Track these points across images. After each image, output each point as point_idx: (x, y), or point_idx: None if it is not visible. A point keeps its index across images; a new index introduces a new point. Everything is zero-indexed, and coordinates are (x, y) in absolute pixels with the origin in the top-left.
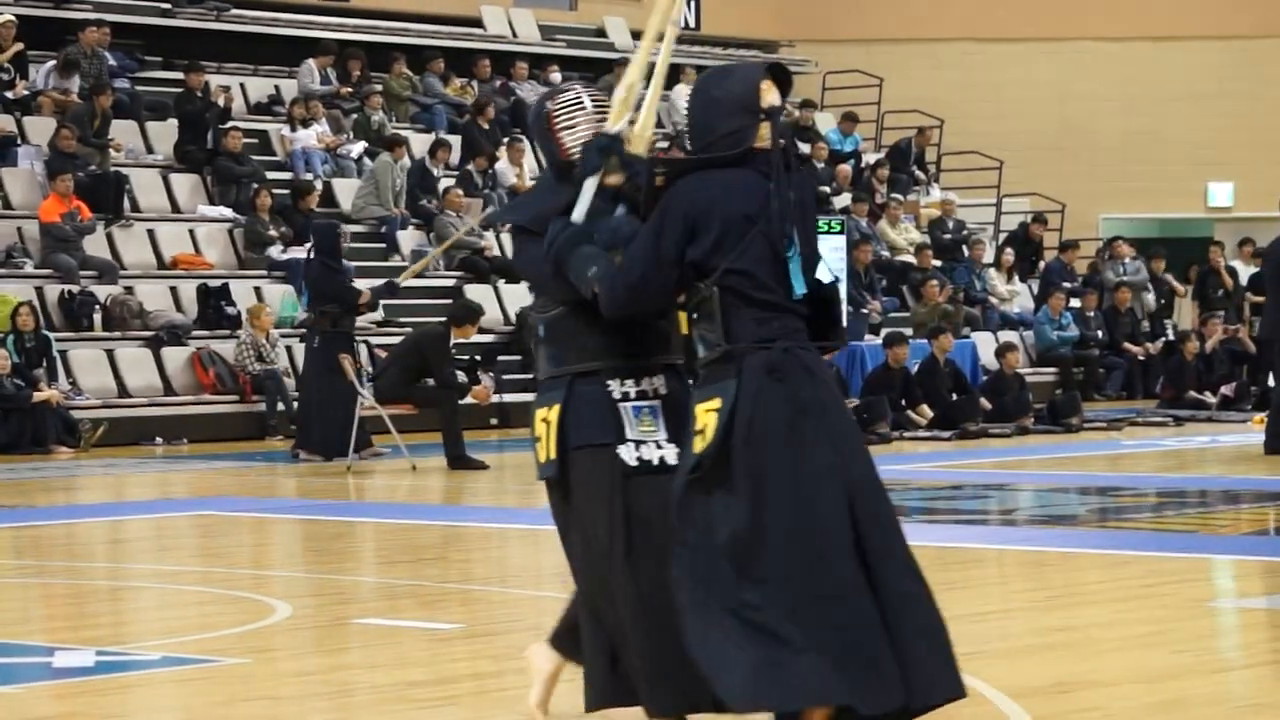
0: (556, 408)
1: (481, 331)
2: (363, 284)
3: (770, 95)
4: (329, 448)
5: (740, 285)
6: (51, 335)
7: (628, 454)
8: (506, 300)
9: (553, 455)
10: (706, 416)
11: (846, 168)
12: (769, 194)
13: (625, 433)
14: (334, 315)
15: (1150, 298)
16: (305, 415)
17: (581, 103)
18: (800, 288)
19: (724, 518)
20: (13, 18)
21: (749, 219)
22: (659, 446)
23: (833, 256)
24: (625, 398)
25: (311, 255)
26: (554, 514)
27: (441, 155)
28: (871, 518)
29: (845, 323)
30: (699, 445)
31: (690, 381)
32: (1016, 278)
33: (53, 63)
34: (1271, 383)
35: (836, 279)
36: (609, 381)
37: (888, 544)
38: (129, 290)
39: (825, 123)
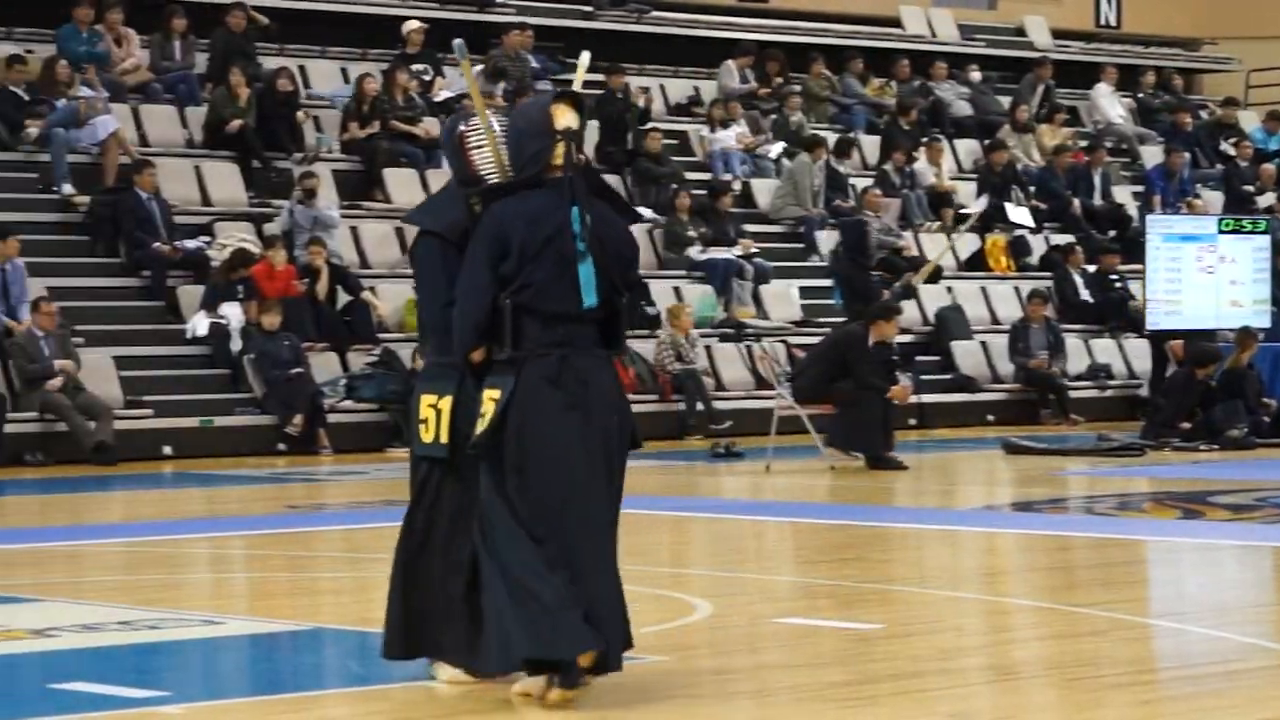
0: (449, 398)
1: (900, 331)
2: None
3: (563, 118)
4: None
5: (530, 299)
6: None
7: None
8: (925, 300)
9: (443, 439)
10: (489, 404)
11: (1271, 167)
12: (565, 214)
13: None
14: (860, 311)
15: None
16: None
17: (492, 127)
18: (591, 299)
19: (491, 490)
20: (419, 23)
21: (545, 240)
22: None
23: (1256, 256)
24: None
25: (840, 251)
26: (424, 487)
27: (843, 153)
28: (610, 498)
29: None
30: (480, 426)
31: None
32: None
33: (479, 68)
34: None
35: (622, 295)
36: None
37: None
38: None
39: (1249, 121)
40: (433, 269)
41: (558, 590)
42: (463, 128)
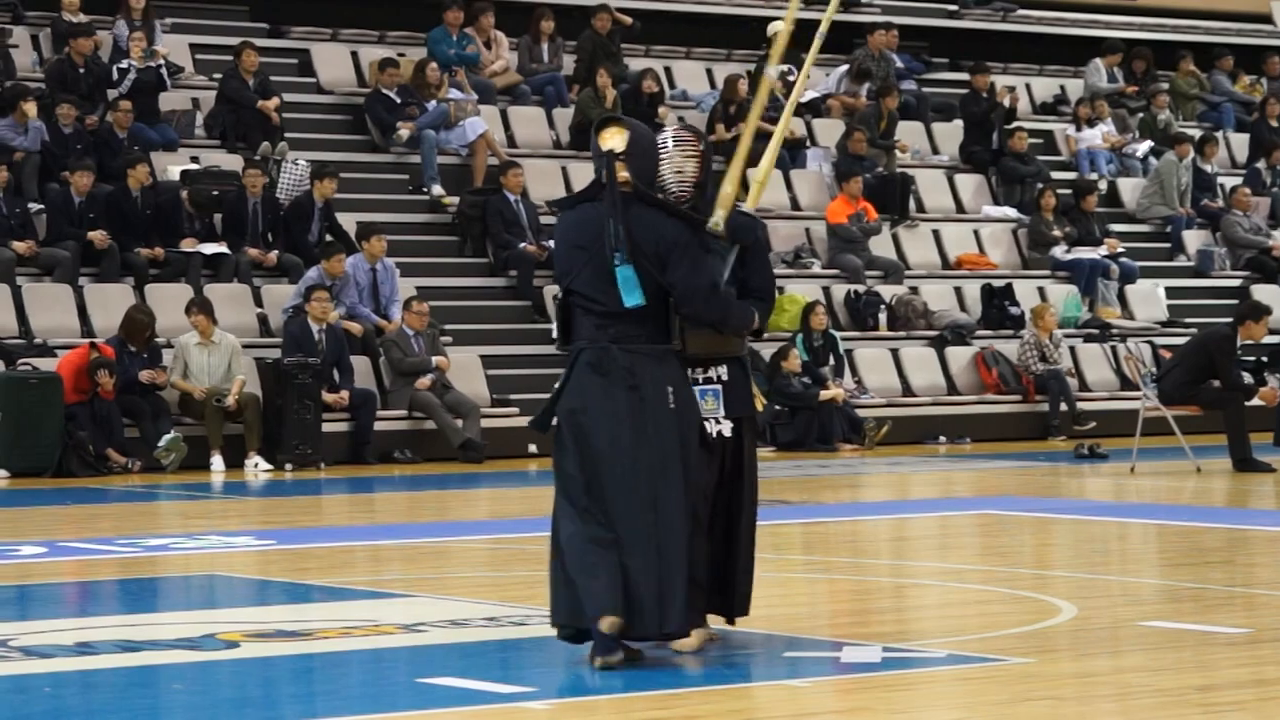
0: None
1: (1270, 332)
2: None
3: (609, 141)
4: None
5: (578, 300)
6: (837, 334)
7: None
8: None
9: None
10: (555, 389)
11: None
12: (603, 225)
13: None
14: None
15: None
16: None
17: (665, 145)
18: (631, 300)
19: (559, 464)
20: (780, 25)
21: (581, 249)
22: (717, 422)
23: None
24: (694, 382)
25: None
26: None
27: (1209, 152)
28: (660, 480)
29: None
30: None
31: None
32: None
33: (844, 68)
34: None
35: (669, 294)
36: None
37: (660, 504)
38: (914, 290)
39: None
40: None
41: (587, 562)
42: None
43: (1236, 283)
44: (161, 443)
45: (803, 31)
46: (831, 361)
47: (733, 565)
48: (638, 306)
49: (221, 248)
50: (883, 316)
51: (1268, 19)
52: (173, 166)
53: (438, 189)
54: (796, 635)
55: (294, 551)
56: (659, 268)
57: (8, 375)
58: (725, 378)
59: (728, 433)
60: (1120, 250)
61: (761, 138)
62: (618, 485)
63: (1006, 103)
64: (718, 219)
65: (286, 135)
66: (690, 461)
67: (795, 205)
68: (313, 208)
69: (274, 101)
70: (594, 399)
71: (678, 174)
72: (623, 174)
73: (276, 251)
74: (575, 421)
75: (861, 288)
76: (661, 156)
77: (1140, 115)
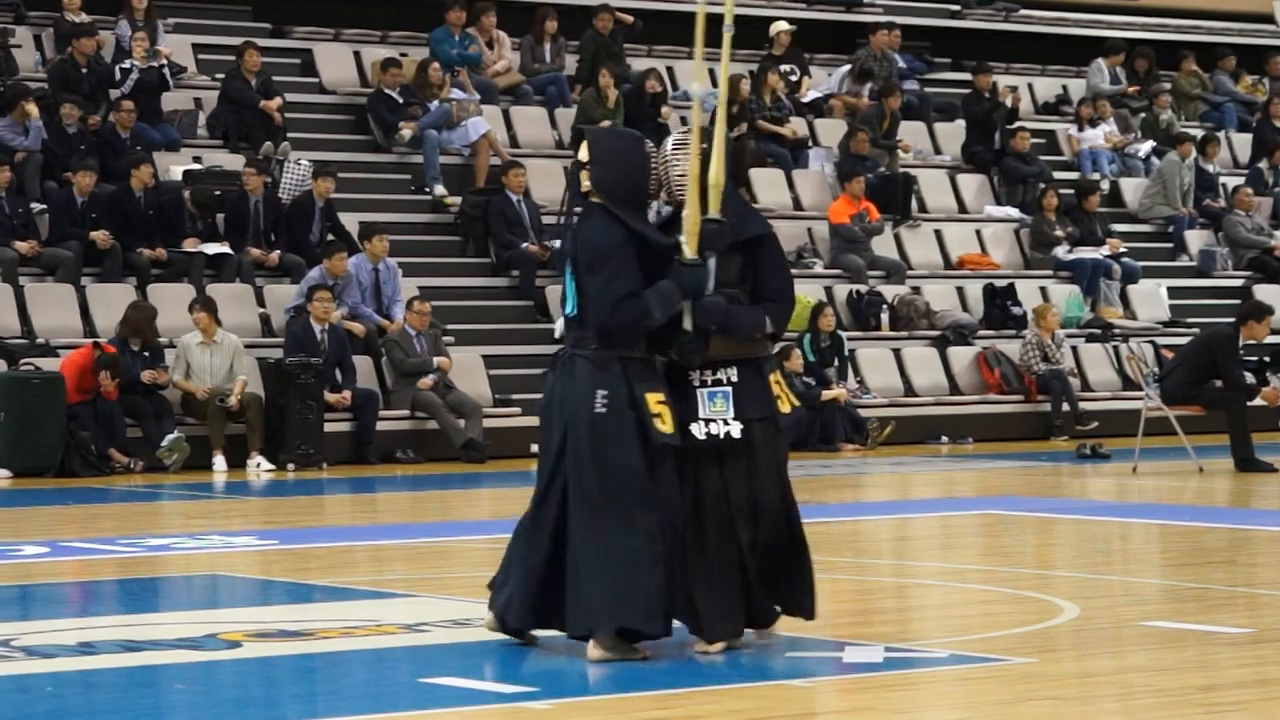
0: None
1: (1272, 332)
2: None
3: (579, 152)
4: None
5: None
6: (842, 335)
7: (698, 430)
8: None
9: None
10: None
11: None
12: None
13: (699, 412)
14: None
15: None
16: None
17: (666, 149)
18: (568, 307)
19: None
20: (787, 24)
21: (557, 257)
22: (725, 424)
23: None
24: (703, 384)
25: None
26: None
27: (1211, 152)
28: (573, 482)
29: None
30: None
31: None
32: None
33: (846, 68)
34: None
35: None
36: (689, 372)
37: (575, 506)
38: (916, 290)
39: None
40: None
41: (505, 565)
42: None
43: (1238, 283)
44: (164, 443)
45: (804, 31)
46: (836, 364)
47: (800, 563)
48: (572, 315)
49: (224, 248)
50: (885, 316)
51: (1270, 19)
52: (175, 166)
53: (440, 189)
54: (798, 635)
55: (296, 551)
56: (582, 275)
57: (10, 375)
58: (735, 379)
59: (736, 434)
60: (1122, 250)
61: (767, 137)
62: (547, 484)
63: (1009, 103)
64: (685, 249)
65: (289, 135)
66: (622, 467)
67: (797, 205)
68: (314, 207)
69: (276, 101)
70: (547, 401)
71: (680, 177)
72: (584, 184)
73: (278, 251)
74: (540, 421)
75: (864, 288)
76: (664, 160)
77: (1142, 115)
